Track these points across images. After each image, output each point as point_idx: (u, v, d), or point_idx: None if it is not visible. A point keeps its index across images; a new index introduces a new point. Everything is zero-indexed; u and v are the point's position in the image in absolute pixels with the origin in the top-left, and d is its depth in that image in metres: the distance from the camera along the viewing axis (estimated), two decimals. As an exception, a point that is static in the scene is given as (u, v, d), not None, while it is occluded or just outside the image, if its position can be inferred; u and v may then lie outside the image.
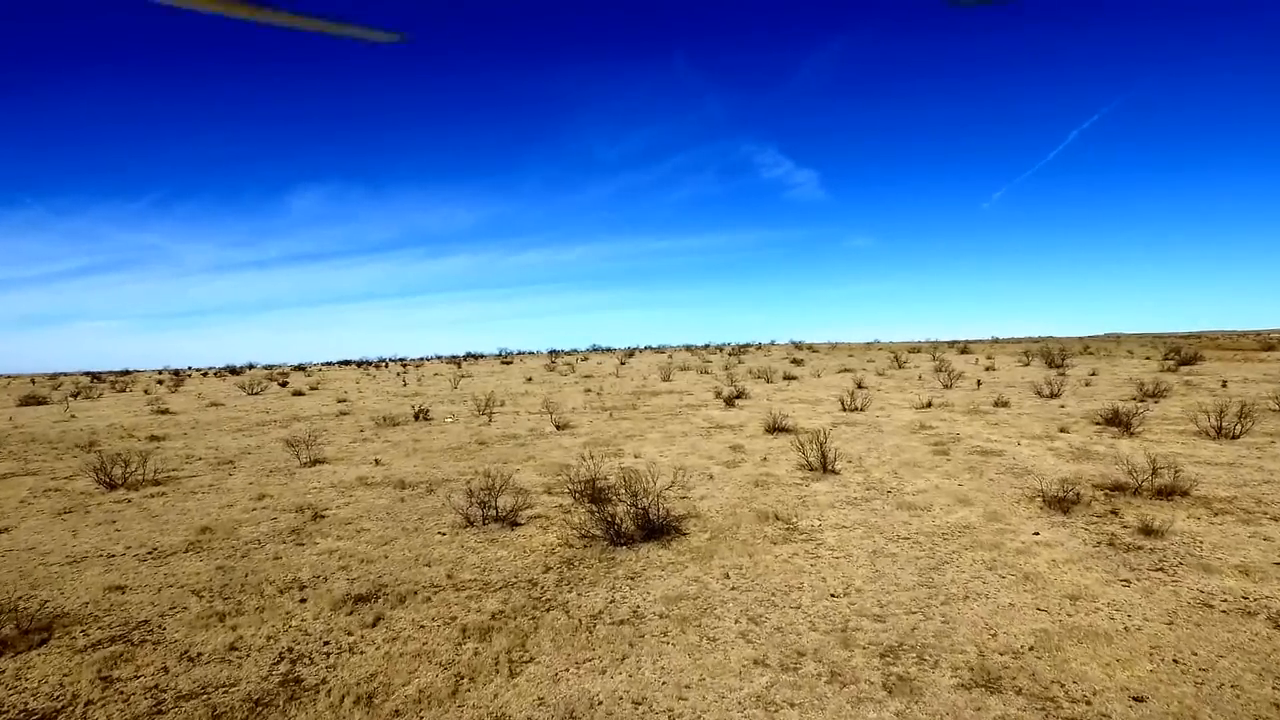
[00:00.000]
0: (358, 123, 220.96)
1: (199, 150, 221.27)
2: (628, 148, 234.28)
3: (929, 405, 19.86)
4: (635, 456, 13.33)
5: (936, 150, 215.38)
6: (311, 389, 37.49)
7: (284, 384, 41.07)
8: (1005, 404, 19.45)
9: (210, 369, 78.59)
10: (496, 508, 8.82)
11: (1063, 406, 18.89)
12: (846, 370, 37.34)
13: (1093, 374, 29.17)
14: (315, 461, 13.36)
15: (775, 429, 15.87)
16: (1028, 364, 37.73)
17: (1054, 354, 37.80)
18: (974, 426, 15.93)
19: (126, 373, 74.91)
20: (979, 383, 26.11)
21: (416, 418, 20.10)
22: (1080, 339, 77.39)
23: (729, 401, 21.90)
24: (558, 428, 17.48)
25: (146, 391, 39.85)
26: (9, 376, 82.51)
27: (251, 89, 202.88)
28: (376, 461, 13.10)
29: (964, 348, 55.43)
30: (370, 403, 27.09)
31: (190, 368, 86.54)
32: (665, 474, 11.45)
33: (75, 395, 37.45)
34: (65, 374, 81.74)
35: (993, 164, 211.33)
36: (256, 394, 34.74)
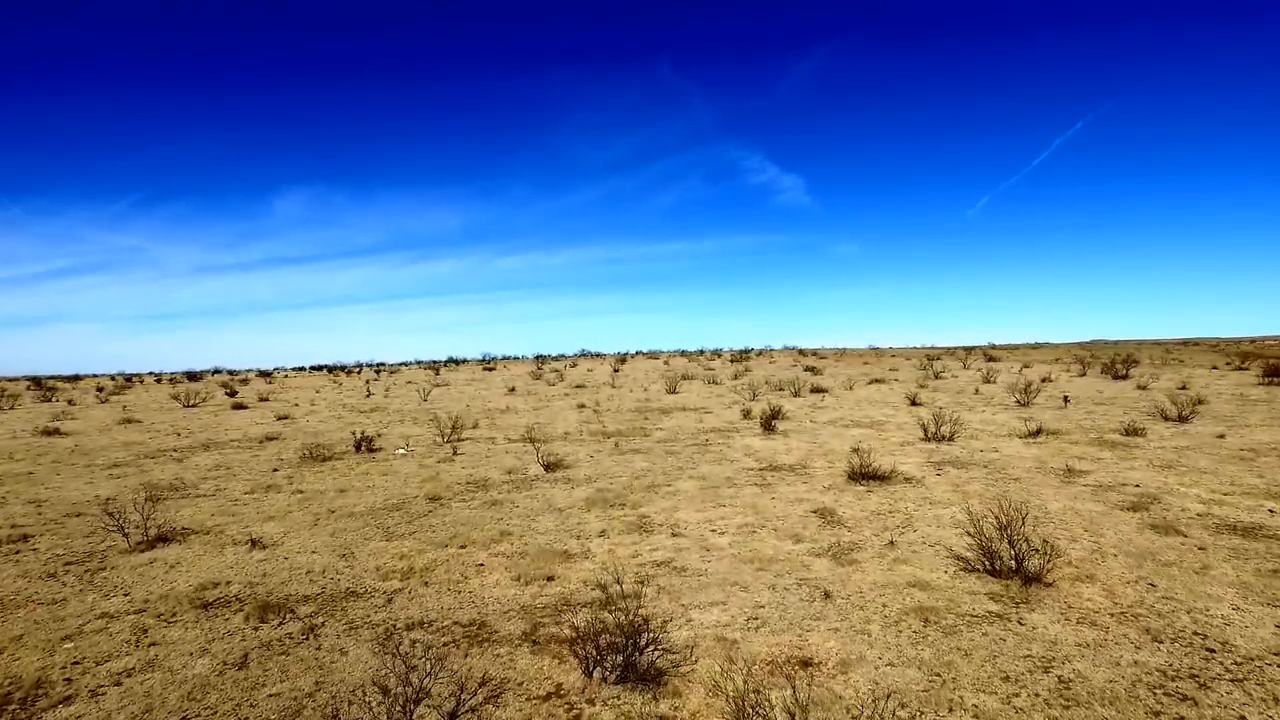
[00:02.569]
0: (343, 125, 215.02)
1: (182, 151, 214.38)
2: (614, 153, 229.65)
3: (1038, 433, 15.02)
4: (673, 532, 8.38)
5: (922, 157, 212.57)
6: (261, 400, 32.29)
7: (232, 394, 35.82)
8: (1138, 431, 14.65)
9: (171, 374, 72.99)
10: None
11: (1221, 437, 14.12)
12: (877, 381, 32.56)
13: (1182, 388, 24.49)
14: (160, 538, 8.32)
15: (862, 475, 10.99)
16: (1083, 373, 33.10)
17: (1114, 362, 33.15)
18: (1142, 470, 11.13)
19: (76, 378, 69.08)
20: (1065, 399, 21.34)
21: (358, 448, 15.04)
22: (1077, 345, 73.18)
23: (766, 425, 17.00)
24: (547, 468, 12.50)
25: (71, 402, 34.51)
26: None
27: (236, 90, 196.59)
28: (252, 543, 8.05)
29: (990, 354, 50.85)
30: (315, 421, 21.97)
31: (151, 372, 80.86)
32: (738, 582, 6.52)
33: (-17, 406, 32.09)
34: (14, 378, 75.85)
35: (977, 171, 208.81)
36: (193, 406, 29.54)
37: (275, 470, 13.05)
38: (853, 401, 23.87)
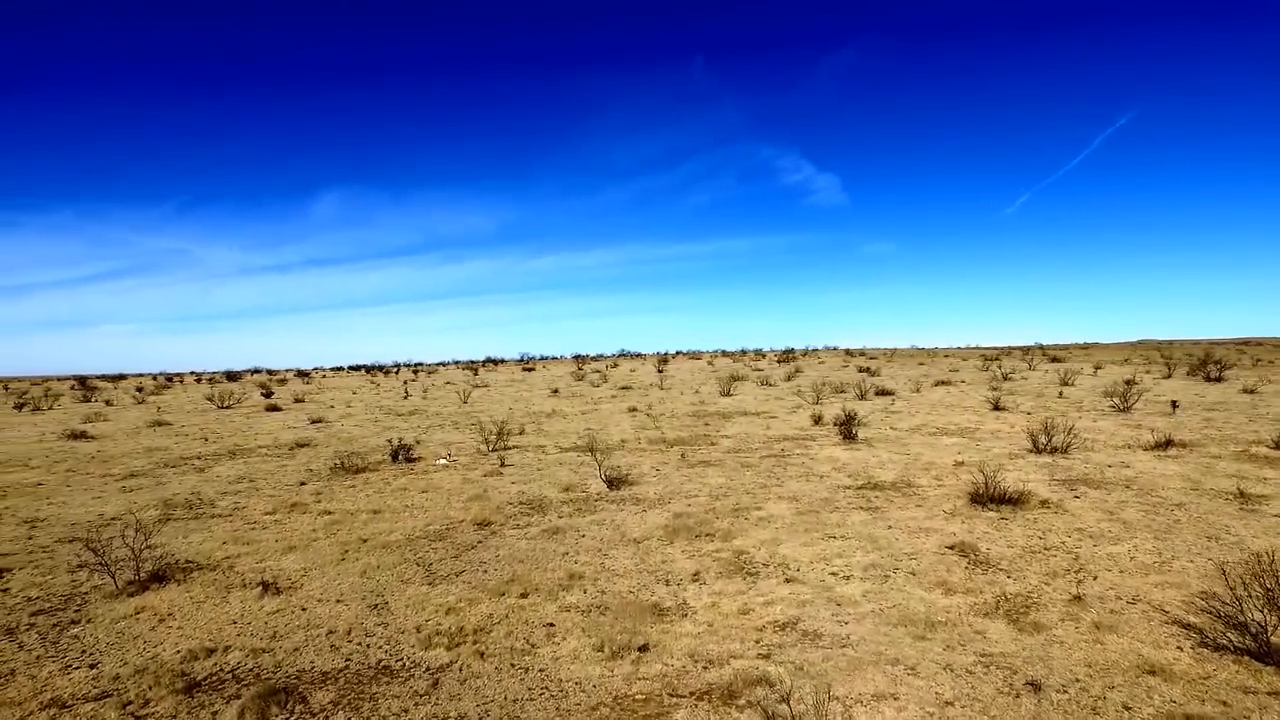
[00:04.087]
0: (376, 127, 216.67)
1: (222, 155, 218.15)
2: (646, 152, 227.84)
3: (1166, 445, 12.98)
4: (785, 576, 6.67)
5: (959, 155, 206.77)
6: (296, 401, 31.28)
7: (268, 394, 34.94)
8: (1289, 444, 12.53)
9: (212, 374, 73.20)
10: None
11: (1397, 451, 11.96)
12: (943, 383, 30.42)
13: (1297, 392, 22.03)
14: (157, 577, 6.85)
15: (989, 498, 9.17)
16: (1169, 375, 30.56)
17: (1205, 363, 30.54)
18: (1336, 496, 9.13)
19: (121, 377, 69.65)
20: (1174, 405, 19.10)
21: (395, 458, 13.57)
22: (1127, 344, 69.45)
23: (846, 433, 15.17)
24: (610, 484, 10.86)
25: (108, 403, 33.97)
26: (25, 379, 77.96)
27: (273, 95, 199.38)
28: (265, 586, 6.52)
29: (1054, 355, 48.12)
30: (349, 425, 20.66)
31: (193, 372, 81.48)
32: (899, 658, 4.80)
33: (20, 406, 31.64)
34: (64, 378, 77.00)
35: (1016, 169, 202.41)
36: (226, 408, 28.61)
37: (303, 484, 11.62)
38: (927, 405, 21.88)
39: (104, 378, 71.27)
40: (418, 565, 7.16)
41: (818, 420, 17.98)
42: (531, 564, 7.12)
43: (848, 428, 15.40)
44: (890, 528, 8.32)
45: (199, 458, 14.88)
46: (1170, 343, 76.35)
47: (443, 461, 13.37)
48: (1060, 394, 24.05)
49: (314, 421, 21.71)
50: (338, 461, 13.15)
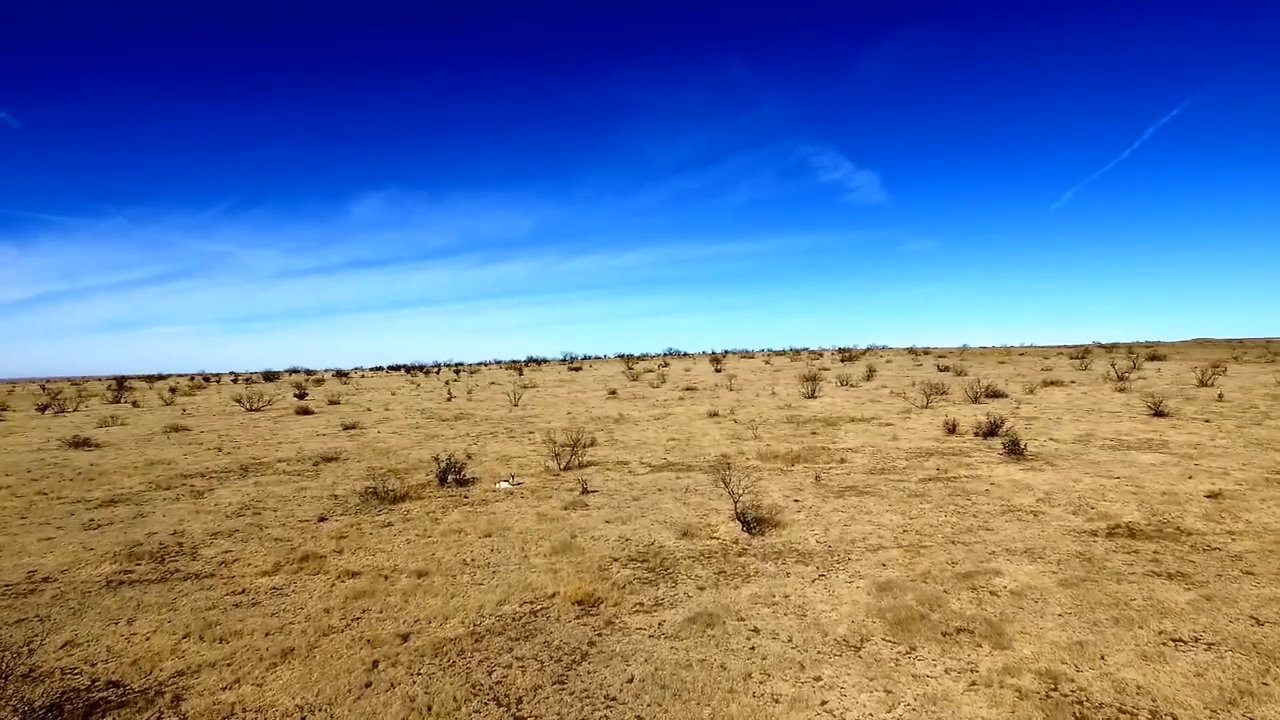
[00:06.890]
0: (415, 130, 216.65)
1: (266, 159, 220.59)
2: (683, 152, 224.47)
3: None
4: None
5: (1002, 149, 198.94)
6: (330, 403, 28.69)
7: (301, 395, 32.45)
8: None
9: (250, 374, 71.74)
10: None
11: None
12: (1054, 384, 26.64)
13: None
14: (44, 724, 3.84)
15: (1373, 563, 5.78)
16: (1322, 375, 26.35)
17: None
18: None
19: (160, 378, 68.50)
20: (1406, 411, 15.27)
21: (443, 479, 10.55)
22: (1193, 342, 63.93)
23: (1011, 447, 11.79)
24: (747, 526, 7.68)
25: (135, 404, 31.82)
26: (73, 380, 77.72)
27: (314, 100, 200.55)
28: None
29: (1154, 353, 43.65)
30: (387, 432, 17.78)
31: (232, 372, 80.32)
32: None
33: (44, 408, 29.60)
34: (107, 378, 76.45)
35: (1062, 163, 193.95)
36: (255, 410, 26.09)
37: (322, 520, 8.64)
38: (1064, 411, 18.28)
39: (144, 378, 70.30)
40: (496, 703, 4.05)
41: (952, 429, 14.59)
42: (698, 703, 3.97)
43: (1013, 442, 12.01)
44: (1259, 621, 5.02)
45: (203, 475, 12.07)
46: (1241, 340, 70.62)
47: (505, 485, 10.32)
48: (1219, 396, 20.19)
49: (347, 427, 18.89)
50: (371, 484, 10.19)
